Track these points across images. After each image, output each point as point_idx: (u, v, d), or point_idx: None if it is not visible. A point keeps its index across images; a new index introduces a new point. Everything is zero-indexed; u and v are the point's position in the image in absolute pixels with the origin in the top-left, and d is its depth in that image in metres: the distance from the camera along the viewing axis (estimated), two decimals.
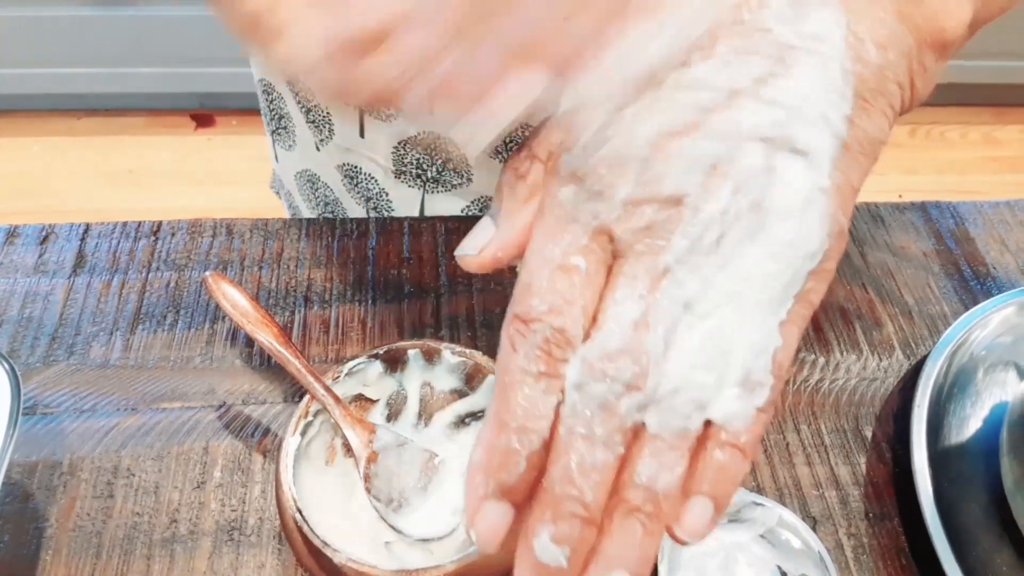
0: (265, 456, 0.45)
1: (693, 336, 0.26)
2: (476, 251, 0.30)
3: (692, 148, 0.27)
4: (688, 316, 0.26)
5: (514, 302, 0.27)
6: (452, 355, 0.43)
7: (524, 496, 0.26)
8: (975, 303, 0.52)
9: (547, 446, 0.26)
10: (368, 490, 0.41)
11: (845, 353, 0.51)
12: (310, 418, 0.41)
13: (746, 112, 0.27)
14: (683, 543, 0.27)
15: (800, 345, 0.50)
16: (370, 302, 0.52)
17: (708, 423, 0.27)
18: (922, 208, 0.60)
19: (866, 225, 0.58)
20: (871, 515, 0.44)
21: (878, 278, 0.55)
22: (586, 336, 0.26)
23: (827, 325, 0.52)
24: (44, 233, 0.55)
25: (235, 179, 1.78)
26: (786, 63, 0.27)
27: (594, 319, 0.27)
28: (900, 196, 0.60)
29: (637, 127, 0.27)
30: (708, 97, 0.27)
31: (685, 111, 0.27)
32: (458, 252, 0.30)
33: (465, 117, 0.27)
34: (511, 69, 0.26)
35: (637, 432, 0.26)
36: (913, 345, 0.52)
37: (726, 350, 0.26)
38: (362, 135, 0.59)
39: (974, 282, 0.55)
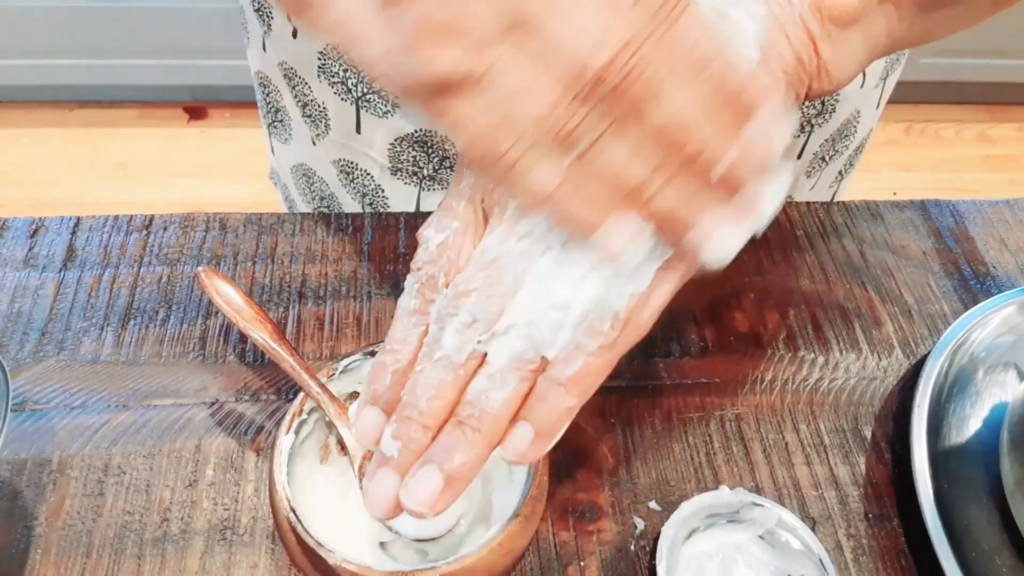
0: (258, 454, 0.44)
1: (542, 277, 0.30)
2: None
3: None
4: (542, 258, 0.30)
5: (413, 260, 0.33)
6: None
7: (391, 404, 0.32)
8: (975, 302, 0.52)
9: (410, 366, 0.32)
10: (363, 489, 0.40)
11: (844, 352, 0.50)
12: (304, 416, 0.40)
13: None
14: (509, 463, 0.31)
15: (799, 344, 0.50)
16: (365, 298, 0.51)
17: (545, 360, 0.30)
18: (921, 207, 0.59)
19: (865, 223, 0.58)
20: (871, 516, 0.44)
21: (877, 277, 0.55)
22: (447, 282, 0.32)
23: (826, 324, 0.52)
24: (34, 226, 0.54)
25: (228, 172, 1.77)
26: None
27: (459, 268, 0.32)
28: (895, 193, 0.59)
29: None
30: None
31: None
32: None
33: (581, 234, 0.29)
34: (622, 204, 0.28)
35: (482, 360, 0.31)
36: (913, 344, 0.51)
37: (571, 292, 0.30)
38: (358, 131, 0.59)
39: (974, 281, 0.55)
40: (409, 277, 0.33)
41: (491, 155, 0.27)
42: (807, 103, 0.51)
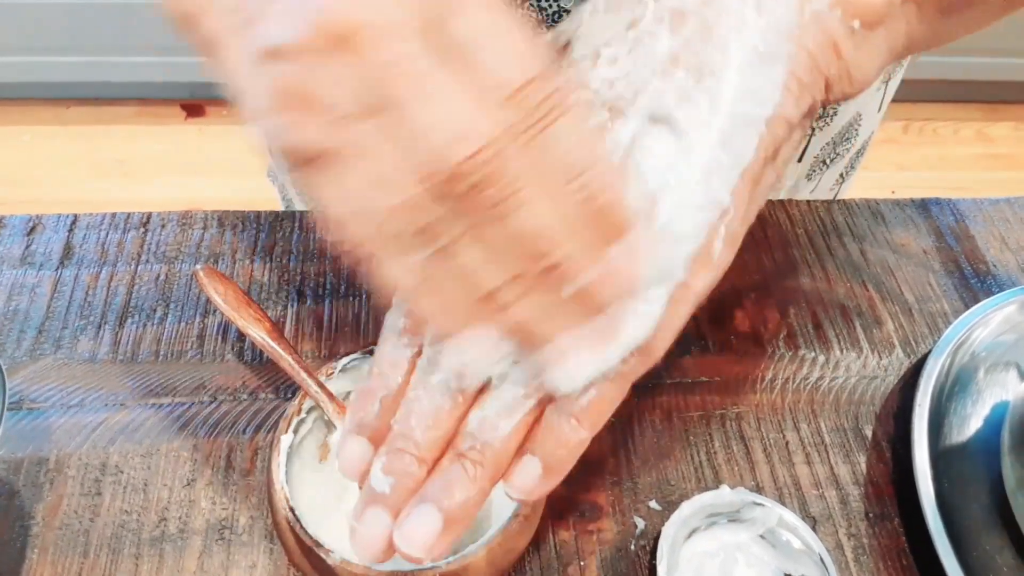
0: (257, 453, 0.44)
1: None
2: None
3: None
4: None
5: None
6: None
7: (380, 433, 0.29)
8: (975, 301, 0.51)
9: (401, 392, 0.29)
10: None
11: (845, 351, 0.50)
12: (303, 415, 0.40)
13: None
14: (513, 500, 0.29)
15: (800, 342, 0.50)
16: (364, 297, 0.51)
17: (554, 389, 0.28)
18: (922, 205, 0.59)
19: (865, 222, 0.58)
20: (871, 515, 0.44)
21: (878, 275, 0.54)
22: None
23: (827, 323, 0.52)
24: (31, 224, 0.54)
25: (226, 170, 1.76)
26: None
27: None
28: (892, 192, 0.59)
29: None
30: None
31: None
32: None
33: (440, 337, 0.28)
34: (479, 313, 0.26)
35: (484, 388, 0.28)
36: (913, 343, 0.51)
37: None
38: None
39: (974, 280, 0.55)
40: (393, 309, 0.31)
41: (350, 240, 0.25)
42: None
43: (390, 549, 0.28)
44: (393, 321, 0.31)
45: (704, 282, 0.29)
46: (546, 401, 0.29)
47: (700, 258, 0.29)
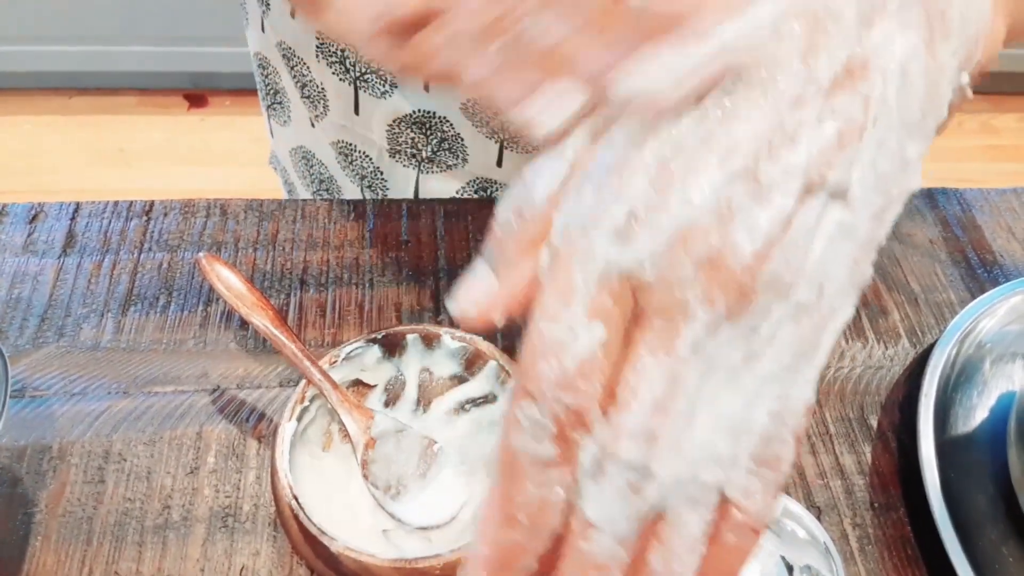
0: (260, 441, 0.44)
1: (716, 408, 0.23)
2: (475, 309, 0.26)
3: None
4: (711, 384, 0.23)
5: (521, 372, 0.23)
6: (452, 340, 0.42)
7: None
8: (982, 291, 0.51)
9: (558, 540, 0.24)
10: (366, 477, 0.40)
11: (851, 341, 0.50)
12: (306, 403, 0.40)
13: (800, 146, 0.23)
14: None
15: None
16: (367, 285, 0.51)
17: (723, 499, 0.24)
18: (928, 195, 0.59)
19: None
20: (876, 505, 0.43)
21: (884, 265, 0.54)
22: (603, 413, 0.23)
23: None
24: (33, 212, 0.53)
25: (228, 160, 1.76)
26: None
27: (611, 393, 0.23)
28: None
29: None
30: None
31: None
32: (455, 309, 0.26)
33: (513, 110, 0.25)
34: (547, 77, 0.25)
35: (655, 520, 0.24)
36: (919, 333, 0.51)
37: (745, 414, 0.24)
38: (357, 112, 0.58)
39: (981, 270, 0.54)
40: (521, 400, 0.23)
41: (447, 72, 0.26)
42: None
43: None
44: (533, 448, 0.23)
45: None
46: (718, 520, 0.25)
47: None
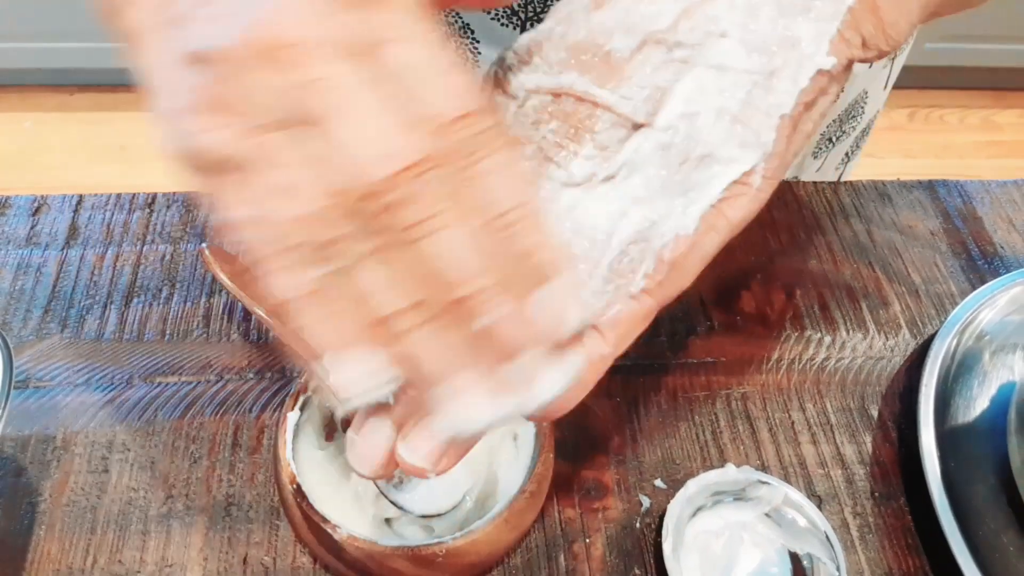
0: (263, 431, 0.44)
1: (573, 206, 0.28)
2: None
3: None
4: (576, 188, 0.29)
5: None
6: None
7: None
8: (982, 282, 0.51)
9: None
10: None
11: (851, 331, 0.50)
12: (309, 393, 0.40)
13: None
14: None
15: (806, 323, 0.50)
16: None
17: None
18: (929, 187, 0.59)
19: (872, 203, 0.57)
20: (877, 494, 0.44)
21: (885, 256, 0.54)
22: None
23: (833, 303, 0.52)
24: (36, 204, 0.54)
25: None
26: None
27: None
28: (898, 179, 0.59)
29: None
30: None
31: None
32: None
33: (314, 362, 0.24)
34: (368, 336, 0.24)
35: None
36: (920, 324, 0.51)
37: (609, 225, 0.28)
38: None
39: (981, 261, 0.54)
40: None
41: (246, 248, 0.23)
42: None
43: (391, 463, 0.27)
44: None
45: (740, 213, 0.28)
46: None
47: (737, 185, 0.28)
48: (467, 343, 0.24)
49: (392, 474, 0.27)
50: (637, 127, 0.29)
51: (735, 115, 0.28)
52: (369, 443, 0.26)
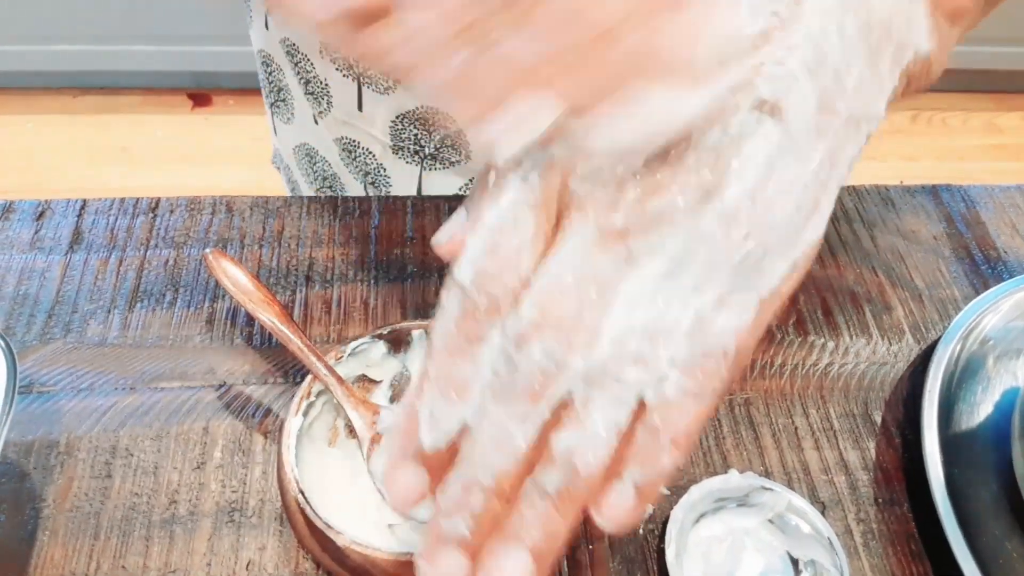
0: (266, 437, 0.44)
1: (637, 304, 0.25)
2: (447, 236, 0.29)
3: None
4: (634, 278, 0.25)
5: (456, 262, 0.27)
6: None
7: (439, 460, 0.26)
8: (986, 287, 0.51)
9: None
10: (371, 472, 0.40)
11: (855, 337, 0.50)
12: (312, 399, 0.40)
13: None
14: (602, 530, 0.26)
15: (809, 328, 0.50)
16: (372, 282, 0.51)
17: (643, 404, 0.25)
18: (933, 191, 0.59)
19: (876, 208, 0.57)
20: (880, 500, 0.43)
21: (888, 261, 0.54)
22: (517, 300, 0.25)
23: (836, 309, 0.51)
24: (40, 209, 0.54)
25: (231, 159, 1.76)
26: None
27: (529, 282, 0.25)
28: (900, 182, 0.59)
29: None
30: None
31: None
32: (433, 241, 0.29)
33: (475, 126, 0.25)
34: (520, 88, 0.24)
35: (564, 405, 0.25)
36: (923, 329, 0.51)
37: (672, 322, 0.25)
38: (360, 108, 0.58)
39: (985, 266, 0.54)
40: (449, 287, 0.26)
41: (405, 69, 0.25)
42: None
43: None
44: (447, 328, 0.26)
45: (791, 285, 0.27)
46: (634, 420, 0.26)
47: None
48: (610, 67, 0.25)
49: None
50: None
51: (806, 184, 0.27)
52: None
